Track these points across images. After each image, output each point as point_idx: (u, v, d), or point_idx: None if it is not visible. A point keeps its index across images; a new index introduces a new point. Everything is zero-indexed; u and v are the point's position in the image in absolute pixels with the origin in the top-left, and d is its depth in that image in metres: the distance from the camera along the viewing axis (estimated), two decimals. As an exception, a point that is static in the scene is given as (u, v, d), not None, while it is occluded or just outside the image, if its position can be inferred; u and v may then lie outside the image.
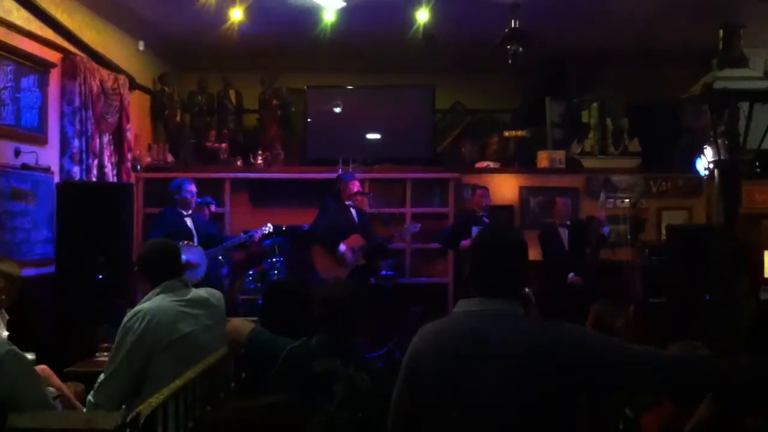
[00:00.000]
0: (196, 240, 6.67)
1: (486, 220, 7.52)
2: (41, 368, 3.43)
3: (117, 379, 3.25)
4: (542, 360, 2.15)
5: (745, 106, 4.63)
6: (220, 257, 7.11)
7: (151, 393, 2.81)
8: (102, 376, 3.28)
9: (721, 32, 4.85)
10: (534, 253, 7.64)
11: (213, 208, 7.65)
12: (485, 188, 7.89)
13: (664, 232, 8.38)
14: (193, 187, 6.84)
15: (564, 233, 7.62)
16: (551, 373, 2.14)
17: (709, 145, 4.79)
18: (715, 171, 4.72)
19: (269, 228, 7.27)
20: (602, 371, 2.19)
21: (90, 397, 3.28)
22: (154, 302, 3.38)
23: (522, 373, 2.15)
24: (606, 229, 7.50)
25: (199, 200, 7.16)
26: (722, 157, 4.57)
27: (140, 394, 3.14)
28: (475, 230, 7.22)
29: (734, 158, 4.59)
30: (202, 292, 3.61)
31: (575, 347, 2.18)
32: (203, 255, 6.62)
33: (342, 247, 7.09)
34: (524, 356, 2.16)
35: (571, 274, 7.35)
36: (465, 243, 7.28)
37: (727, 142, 4.62)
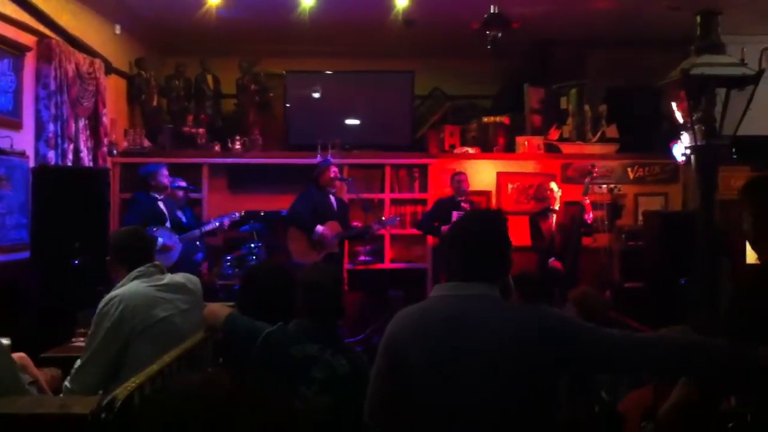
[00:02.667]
0: (168, 224, 6.68)
1: (465, 206, 7.55)
2: (19, 356, 3.40)
3: (93, 364, 3.24)
4: (526, 343, 2.16)
5: (721, 92, 4.66)
6: (197, 242, 7.10)
7: (128, 378, 2.79)
8: (78, 362, 3.27)
9: (698, 19, 4.86)
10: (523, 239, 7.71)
11: (181, 194, 7.48)
12: (463, 173, 7.91)
13: (641, 217, 8.45)
14: (167, 172, 6.85)
15: (552, 219, 7.67)
16: (535, 357, 2.15)
17: (685, 131, 4.81)
18: (692, 157, 4.73)
19: (236, 216, 7.28)
20: (585, 354, 2.20)
21: (67, 383, 3.27)
22: (129, 287, 3.37)
23: (505, 357, 2.16)
24: (589, 216, 7.55)
25: (174, 184, 7.14)
26: (699, 143, 4.59)
27: (118, 379, 3.13)
28: (455, 215, 7.28)
29: (711, 144, 4.61)
30: (178, 277, 3.60)
31: (558, 330, 2.19)
32: (177, 239, 6.64)
33: (319, 228, 7.08)
34: (508, 340, 2.17)
35: (551, 259, 7.40)
36: (445, 228, 7.33)
37: (703, 128, 4.64)
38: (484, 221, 2.48)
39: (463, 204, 7.60)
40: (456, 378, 2.19)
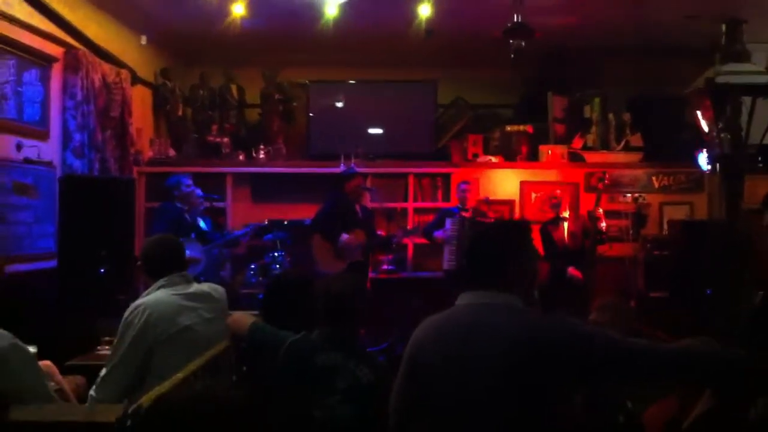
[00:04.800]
0: (193, 234, 6.71)
1: (465, 214, 7.58)
2: (45, 364, 3.44)
3: (118, 373, 3.26)
4: (525, 352, 2.15)
5: (747, 100, 4.64)
6: (221, 251, 7.13)
7: (153, 386, 2.82)
8: (103, 371, 3.30)
9: (723, 27, 4.85)
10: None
11: (201, 202, 7.47)
12: (469, 183, 7.89)
13: (666, 226, 8.39)
14: (190, 181, 6.87)
15: (563, 227, 7.64)
16: (547, 365, 2.14)
17: (711, 140, 4.78)
18: (718, 166, 4.71)
19: (254, 227, 7.40)
20: (598, 363, 2.19)
21: (92, 392, 3.29)
22: (154, 296, 3.40)
23: (503, 365, 2.15)
24: (603, 224, 7.52)
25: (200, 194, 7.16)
26: (724, 152, 4.57)
27: (142, 387, 3.16)
28: (448, 222, 7.53)
29: (736, 153, 4.59)
30: (203, 286, 3.63)
31: (572, 339, 2.17)
32: (203, 250, 6.67)
33: (344, 236, 7.11)
34: (507, 349, 2.16)
35: (570, 268, 7.36)
36: (437, 234, 7.65)
37: (729, 136, 4.62)
38: (494, 231, 2.51)
39: (463, 213, 7.63)
40: (466, 383, 2.19)
